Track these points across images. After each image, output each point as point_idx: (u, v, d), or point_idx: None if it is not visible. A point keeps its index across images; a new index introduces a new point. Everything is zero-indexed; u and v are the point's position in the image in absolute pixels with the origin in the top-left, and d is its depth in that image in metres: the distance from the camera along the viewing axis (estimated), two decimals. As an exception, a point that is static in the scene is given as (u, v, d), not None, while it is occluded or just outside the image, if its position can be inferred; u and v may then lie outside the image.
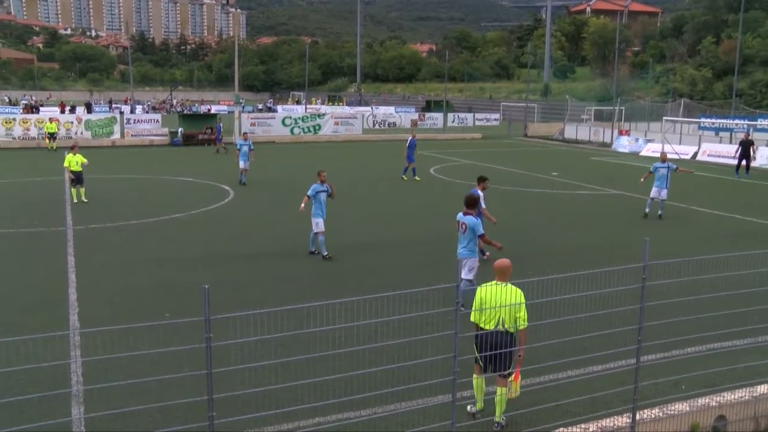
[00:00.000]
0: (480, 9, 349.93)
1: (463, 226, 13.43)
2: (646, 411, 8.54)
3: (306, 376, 8.17)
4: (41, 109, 79.75)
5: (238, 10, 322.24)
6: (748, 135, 38.49)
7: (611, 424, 8.30)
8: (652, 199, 23.55)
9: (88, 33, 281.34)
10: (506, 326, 8.38)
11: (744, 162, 36.10)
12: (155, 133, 52.89)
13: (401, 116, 71.49)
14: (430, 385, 8.15)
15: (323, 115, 61.88)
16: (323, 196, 17.63)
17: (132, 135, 51.78)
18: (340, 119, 60.05)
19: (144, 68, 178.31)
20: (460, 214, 13.59)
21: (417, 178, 32.24)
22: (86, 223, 21.83)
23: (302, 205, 17.63)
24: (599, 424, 8.28)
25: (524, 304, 8.39)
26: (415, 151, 32.44)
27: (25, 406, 8.40)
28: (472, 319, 8.53)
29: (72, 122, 52.20)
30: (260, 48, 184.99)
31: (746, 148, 36.26)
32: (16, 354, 9.15)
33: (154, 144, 50.84)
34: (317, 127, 56.77)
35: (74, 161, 25.63)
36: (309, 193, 17.52)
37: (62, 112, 72.85)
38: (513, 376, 8.42)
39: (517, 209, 25.12)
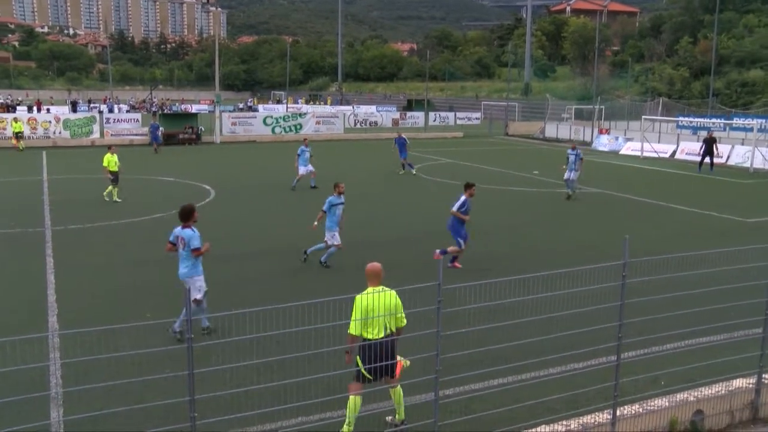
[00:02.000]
0: (461, 8, 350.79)
1: (182, 242, 11.99)
2: (626, 407, 8.60)
3: (289, 376, 8.17)
4: (18, 108, 78.91)
5: (219, 9, 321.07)
6: (712, 133, 39.44)
7: (592, 421, 8.35)
8: (565, 180, 27.36)
9: (65, 31, 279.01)
10: (391, 328, 8.25)
11: (708, 159, 37.10)
12: (135, 133, 52.59)
13: (382, 115, 71.56)
14: (413, 383, 8.17)
15: (304, 114, 61.81)
16: (339, 209, 16.84)
17: (112, 134, 51.41)
18: (321, 118, 60.03)
19: (123, 67, 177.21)
20: (178, 228, 12.15)
21: (414, 171, 34.21)
22: (65, 223, 21.68)
23: (315, 223, 16.83)
24: (580, 421, 8.33)
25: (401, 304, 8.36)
26: (407, 147, 34.66)
27: (4, 409, 8.34)
28: (355, 332, 8.16)
29: (50, 121, 51.74)
30: (241, 47, 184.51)
31: (710, 145, 37.21)
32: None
33: (134, 143, 50.51)
34: (298, 126, 56.70)
35: (113, 161, 25.61)
36: (324, 207, 16.70)
37: (38, 110, 72.25)
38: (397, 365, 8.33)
39: (498, 208, 25.22)
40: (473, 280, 8.30)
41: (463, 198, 16.42)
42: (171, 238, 12.24)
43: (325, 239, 16.76)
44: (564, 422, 8.27)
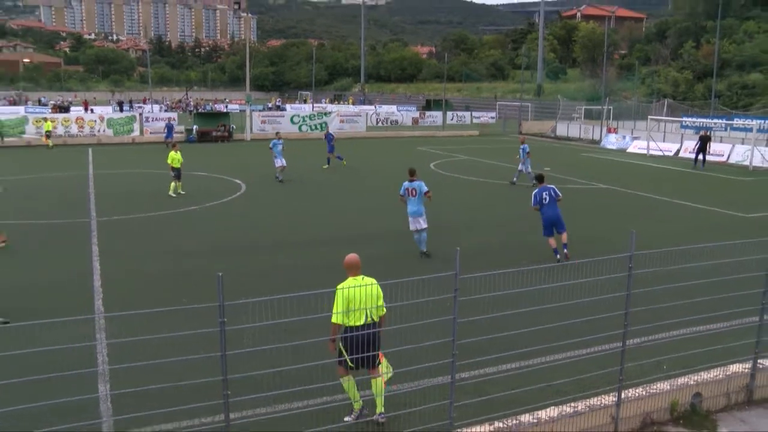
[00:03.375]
0: (477, 13, 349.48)
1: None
2: (630, 390, 8.61)
3: (314, 359, 8.24)
4: (71, 108, 79.56)
5: (249, 15, 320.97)
6: (707, 132, 39.79)
7: (598, 403, 8.36)
8: (518, 171, 29.25)
9: (109, 37, 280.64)
10: (373, 317, 8.21)
11: (701, 156, 37.14)
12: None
13: (403, 114, 71.44)
14: (431, 367, 8.20)
15: (329, 113, 61.83)
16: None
17: (150, 132, 51.80)
18: (345, 117, 59.99)
19: (161, 70, 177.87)
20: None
21: (325, 166, 34.59)
22: (108, 215, 21.90)
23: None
24: (587, 403, 8.34)
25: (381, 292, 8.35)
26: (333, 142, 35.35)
27: (58, 383, 8.49)
28: (337, 321, 8.11)
29: (95, 120, 52.24)
30: (270, 50, 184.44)
31: (704, 143, 37.37)
32: (49, 335, 9.24)
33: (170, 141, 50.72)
34: (324, 125, 56.77)
35: (176, 158, 25.70)
36: (401, 191, 16.71)
37: (86, 110, 72.84)
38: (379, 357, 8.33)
39: (511, 202, 25.16)
40: (488, 270, 8.31)
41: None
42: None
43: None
44: (572, 404, 8.28)
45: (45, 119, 49.69)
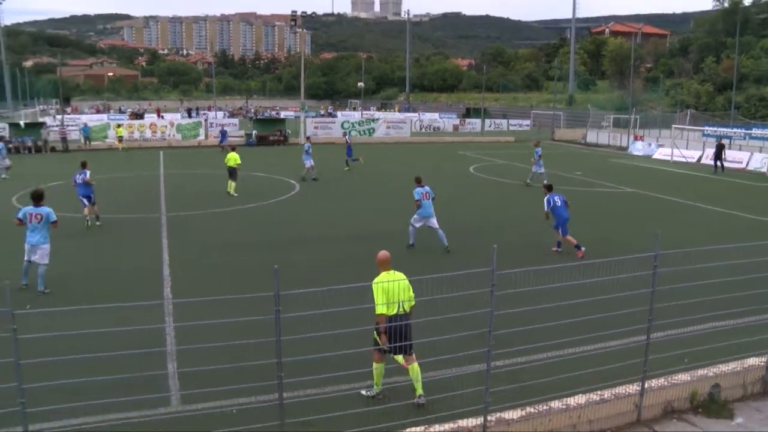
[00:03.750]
0: (513, 29, 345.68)
1: (39, 216, 13.04)
2: (653, 381, 8.44)
3: (359, 346, 8.25)
4: (146, 115, 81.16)
5: (304, 30, 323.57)
6: (721, 140, 39.67)
7: (623, 391, 8.22)
8: (533, 172, 29.05)
9: (180, 52, 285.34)
10: (404, 308, 8.22)
11: (718, 162, 37.01)
12: (233, 135, 53.49)
13: (444, 121, 71.18)
14: (468, 355, 8.14)
15: (376, 119, 61.86)
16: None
17: (214, 137, 52.41)
18: (391, 123, 59.94)
19: (225, 80, 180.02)
20: (31, 207, 13.17)
21: (346, 168, 34.47)
22: (176, 211, 22.24)
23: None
24: (613, 391, 8.20)
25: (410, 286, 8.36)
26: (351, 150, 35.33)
27: (132, 360, 8.64)
28: (382, 312, 8.12)
29: (166, 126, 53.16)
30: (323, 62, 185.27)
31: (719, 150, 37.32)
32: (124, 317, 9.42)
33: (232, 144, 51.34)
34: (371, 131, 56.83)
35: (233, 158, 25.77)
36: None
37: (159, 117, 74.16)
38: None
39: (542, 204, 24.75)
40: (522, 267, 8.21)
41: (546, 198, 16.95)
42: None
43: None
44: (599, 392, 8.14)
45: (118, 125, 50.80)
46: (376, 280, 8.24)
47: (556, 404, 7.88)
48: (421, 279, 7.96)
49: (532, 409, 7.79)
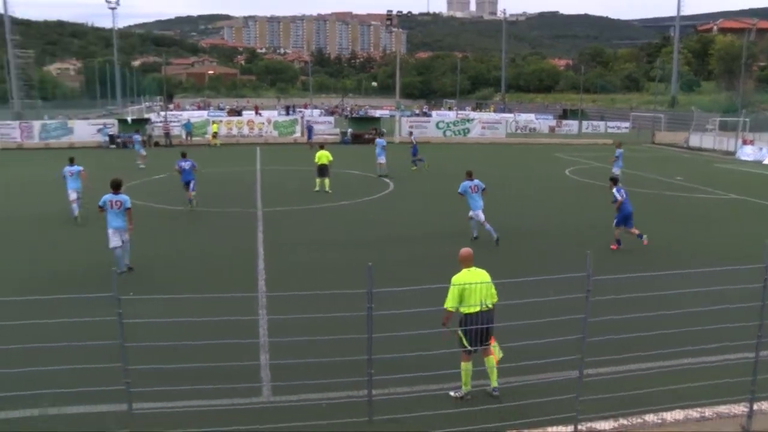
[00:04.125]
0: (612, 28, 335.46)
1: (118, 203, 14.10)
2: (764, 403, 7.92)
3: (449, 346, 8.22)
4: (243, 112, 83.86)
5: (400, 30, 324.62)
6: None
7: (727, 411, 7.78)
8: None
9: (278, 51, 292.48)
10: (487, 305, 8.16)
11: None
12: (329, 133, 54.39)
13: (540, 122, 69.98)
14: (559, 361, 7.97)
15: (471, 120, 61.45)
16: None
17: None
18: (486, 124, 59.41)
19: (321, 78, 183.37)
20: (110, 194, 14.20)
21: (414, 168, 34.08)
22: (272, 206, 22.80)
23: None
24: (715, 410, 7.80)
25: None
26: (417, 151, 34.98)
27: (226, 349, 8.93)
28: (451, 307, 8.14)
29: (263, 123, 54.68)
30: (418, 62, 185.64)
31: None
32: (219, 308, 9.75)
33: (328, 142, 52.17)
34: (466, 131, 56.52)
35: (324, 156, 26.08)
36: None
37: (257, 114, 76.32)
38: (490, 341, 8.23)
39: (639, 210, 23.86)
40: (617, 273, 7.98)
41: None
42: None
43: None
44: (699, 409, 7.78)
45: (213, 122, 52.68)
46: (455, 278, 8.26)
47: (650, 418, 7.62)
48: (516, 282, 7.88)
49: (625, 421, 7.57)
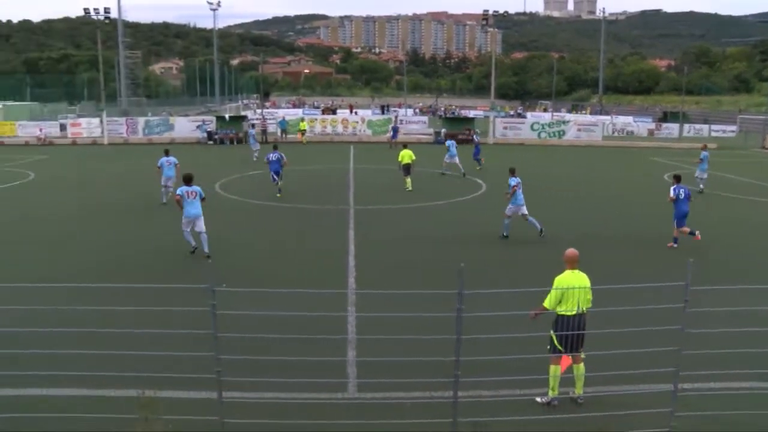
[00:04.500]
0: (721, 25, 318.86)
1: (193, 193, 15.56)
2: None
3: (538, 351, 8.06)
4: (338, 111, 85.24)
5: (496, 30, 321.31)
6: None
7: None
8: (696, 177, 27.60)
9: (373, 50, 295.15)
10: (582, 309, 7.98)
11: None
12: (422, 133, 54.43)
13: (638, 125, 67.66)
14: (650, 373, 7.68)
15: (567, 121, 60.09)
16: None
17: (403, 133, 53.65)
18: (582, 126, 57.94)
19: (415, 78, 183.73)
20: (185, 186, 15.69)
21: (478, 167, 33.72)
22: (364, 204, 23.02)
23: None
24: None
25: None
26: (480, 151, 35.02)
27: (315, 344, 9.08)
28: (548, 305, 8.07)
29: (357, 122, 55.35)
30: (513, 62, 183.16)
31: None
32: (309, 303, 9.91)
33: (421, 141, 52.26)
34: (561, 133, 55.33)
35: (407, 155, 26.49)
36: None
37: (351, 113, 77.34)
38: None
39: (741, 218, 22.71)
40: (718, 285, 7.61)
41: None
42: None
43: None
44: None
45: (301, 120, 53.64)
46: (558, 279, 8.19)
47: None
48: (610, 288, 7.65)
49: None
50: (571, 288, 7.98)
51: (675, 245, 17.16)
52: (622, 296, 7.88)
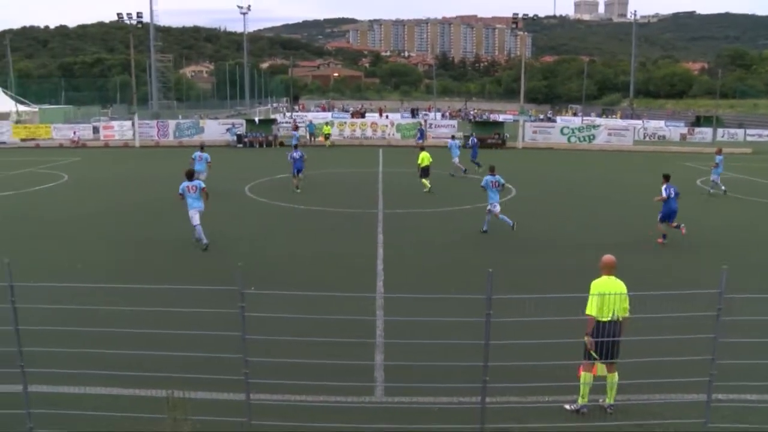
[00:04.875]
0: (758, 26, 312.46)
1: (194, 188, 16.67)
2: None
3: (567, 357, 7.97)
4: (366, 114, 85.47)
5: (525, 33, 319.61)
6: None
7: None
8: (711, 181, 28.39)
9: (402, 54, 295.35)
10: (618, 316, 7.78)
11: None
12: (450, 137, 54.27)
13: (670, 130, 66.76)
14: (684, 382, 7.54)
15: (597, 126, 59.51)
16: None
17: (432, 137, 53.60)
18: (612, 131, 57.33)
19: (444, 82, 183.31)
20: (186, 182, 16.71)
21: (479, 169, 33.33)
22: (393, 208, 23.01)
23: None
24: None
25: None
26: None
27: (342, 347, 9.08)
28: (591, 313, 7.80)
29: (387, 125, 55.40)
30: (543, 66, 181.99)
31: None
32: (337, 306, 9.93)
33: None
34: (591, 137, 54.83)
35: (426, 158, 27.04)
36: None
37: (380, 116, 77.47)
38: None
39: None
40: (752, 293, 7.46)
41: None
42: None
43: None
44: None
45: (326, 123, 53.81)
46: (594, 284, 8.01)
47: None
48: (644, 295, 7.54)
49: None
50: (607, 293, 7.82)
51: (664, 241, 17.98)
52: (654, 303, 7.75)
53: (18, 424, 7.21)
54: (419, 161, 26.99)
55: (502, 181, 19.52)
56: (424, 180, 26.77)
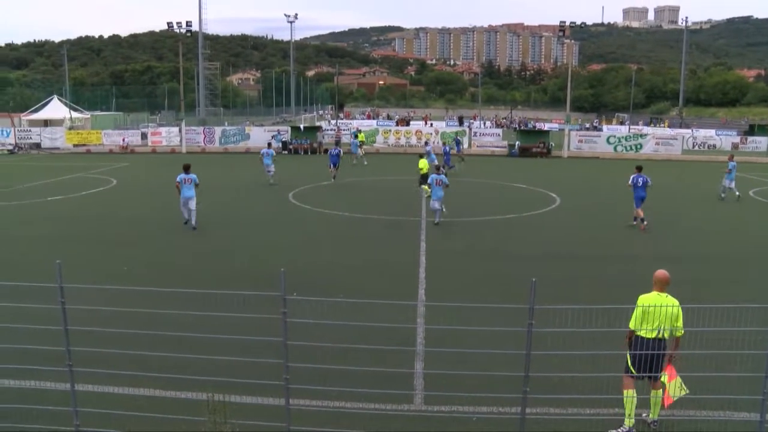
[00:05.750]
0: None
1: (189, 179, 19.72)
2: None
3: (610, 369, 7.83)
4: (411, 122, 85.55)
5: (572, 41, 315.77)
6: None
7: None
8: (724, 186, 28.76)
9: (447, 62, 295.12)
10: (664, 334, 7.49)
11: None
12: (496, 145, 54.04)
13: (721, 139, 65.14)
14: (736, 399, 7.33)
15: (645, 135, 58.49)
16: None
17: (477, 146, 53.42)
18: (660, 140, 56.31)
19: (490, 90, 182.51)
20: (183, 174, 19.84)
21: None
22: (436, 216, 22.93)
23: None
24: None
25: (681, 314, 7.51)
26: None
27: (381, 354, 9.08)
28: (633, 326, 7.60)
29: (431, 133, 55.39)
30: (590, 74, 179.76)
31: None
32: (378, 314, 9.93)
33: (494, 154, 51.91)
34: (639, 146, 53.94)
35: (426, 165, 27.46)
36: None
37: (426, 124, 77.46)
38: (669, 376, 7.41)
39: None
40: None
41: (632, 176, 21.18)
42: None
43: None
44: None
45: (359, 131, 53.52)
46: (641, 298, 7.74)
47: None
48: (698, 308, 7.36)
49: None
50: (652, 306, 7.54)
51: (645, 223, 20.63)
52: (703, 316, 7.56)
53: (66, 421, 7.38)
54: (420, 168, 27.74)
55: (446, 181, 21.64)
56: (424, 186, 26.43)
